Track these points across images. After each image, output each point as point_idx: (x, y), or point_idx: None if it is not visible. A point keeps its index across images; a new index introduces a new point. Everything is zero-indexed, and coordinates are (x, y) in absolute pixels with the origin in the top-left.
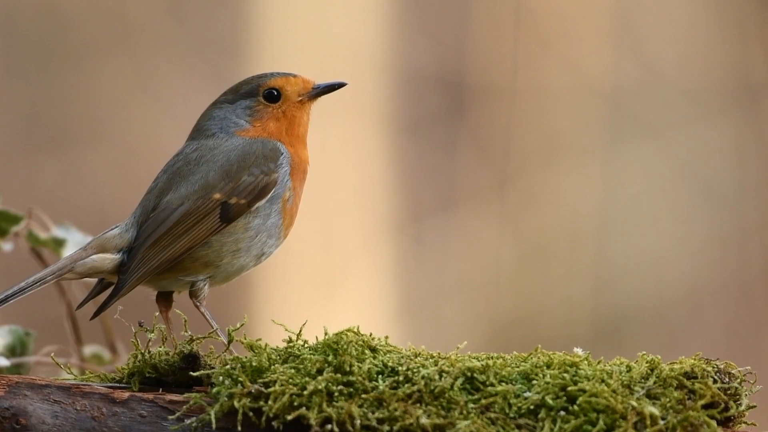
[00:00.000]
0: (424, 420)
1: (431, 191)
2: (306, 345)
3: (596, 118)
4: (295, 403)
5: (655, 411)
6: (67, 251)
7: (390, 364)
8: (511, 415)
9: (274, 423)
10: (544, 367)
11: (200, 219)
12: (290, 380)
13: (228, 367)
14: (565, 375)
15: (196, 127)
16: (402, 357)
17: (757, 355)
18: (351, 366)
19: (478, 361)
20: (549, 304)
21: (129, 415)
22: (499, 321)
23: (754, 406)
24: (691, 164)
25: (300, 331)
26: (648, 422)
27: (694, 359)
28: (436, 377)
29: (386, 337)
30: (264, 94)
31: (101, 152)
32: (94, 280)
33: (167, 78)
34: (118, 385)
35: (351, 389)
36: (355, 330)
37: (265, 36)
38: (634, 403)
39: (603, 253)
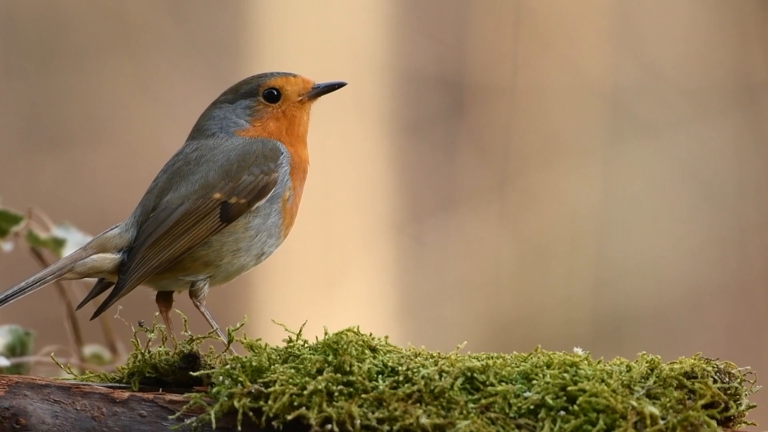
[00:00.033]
0: (424, 420)
1: (431, 191)
2: (306, 345)
3: (596, 118)
4: (295, 403)
5: (655, 411)
6: (67, 251)
7: (390, 364)
8: (511, 414)
9: (274, 423)
10: (544, 367)
11: (200, 219)
12: (290, 380)
13: (228, 366)
14: (565, 375)
15: (196, 127)
16: (402, 357)
17: (757, 355)
18: (351, 366)
19: (478, 361)
20: (549, 304)
21: (129, 414)
22: (499, 321)
23: (754, 406)
24: (691, 164)
25: (300, 330)
26: (648, 422)
27: (694, 359)
28: (436, 377)
29: (386, 337)
30: (264, 93)
31: (101, 152)
32: (94, 280)
33: (167, 78)
34: (118, 385)
35: (351, 389)
36: (355, 330)
37: (265, 36)
38: (634, 403)
39: (603, 253)
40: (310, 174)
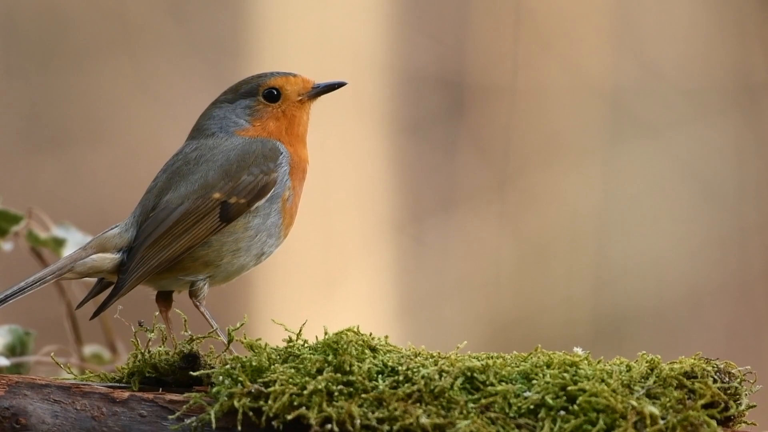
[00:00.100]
0: (424, 420)
1: (431, 191)
2: (306, 345)
3: (596, 118)
4: (295, 403)
5: (655, 410)
6: (67, 251)
7: (390, 363)
8: (511, 414)
9: (274, 423)
10: (544, 367)
11: (200, 218)
12: (290, 380)
13: (228, 366)
14: (565, 375)
15: (195, 127)
16: (402, 357)
17: (757, 355)
18: (351, 366)
19: (478, 360)
20: (549, 304)
21: (129, 414)
22: (499, 321)
23: (754, 406)
24: (691, 164)
25: (300, 330)
26: (648, 422)
27: (694, 359)
28: (436, 377)
29: (386, 337)
30: (264, 93)
31: (101, 152)
32: (93, 280)
33: (167, 78)
34: (118, 384)
35: (351, 389)
36: (355, 330)
37: (265, 36)
38: (634, 403)
39: (603, 253)
40: (310, 174)
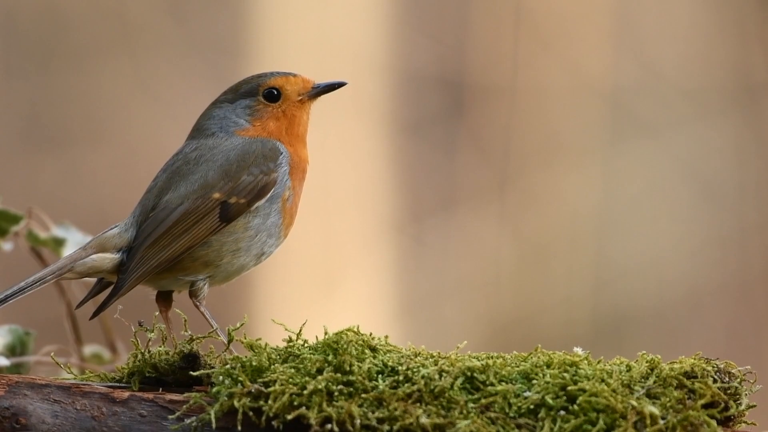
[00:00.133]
0: (424, 419)
1: (431, 191)
2: (306, 344)
3: (596, 118)
4: (295, 403)
5: (655, 410)
6: (67, 251)
7: (390, 363)
8: (511, 414)
9: (274, 422)
10: (544, 367)
11: (200, 218)
12: (290, 380)
13: (228, 366)
14: (565, 374)
15: (195, 127)
16: (402, 356)
17: (757, 355)
18: (351, 365)
19: (478, 360)
20: (549, 304)
21: (129, 414)
22: (499, 321)
23: (754, 406)
24: (691, 164)
25: (300, 330)
26: (648, 422)
27: (694, 359)
28: (436, 377)
29: (386, 337)
30: (264, 93)
31: (101, 152)
32: (93, 280)
33: (167, 78)
34: (118, 384)
35: (351, 389)
36: (355, 329)
37: (265, 36)
38: (634, 403)
39: (603, 253)
40: (310, 174)
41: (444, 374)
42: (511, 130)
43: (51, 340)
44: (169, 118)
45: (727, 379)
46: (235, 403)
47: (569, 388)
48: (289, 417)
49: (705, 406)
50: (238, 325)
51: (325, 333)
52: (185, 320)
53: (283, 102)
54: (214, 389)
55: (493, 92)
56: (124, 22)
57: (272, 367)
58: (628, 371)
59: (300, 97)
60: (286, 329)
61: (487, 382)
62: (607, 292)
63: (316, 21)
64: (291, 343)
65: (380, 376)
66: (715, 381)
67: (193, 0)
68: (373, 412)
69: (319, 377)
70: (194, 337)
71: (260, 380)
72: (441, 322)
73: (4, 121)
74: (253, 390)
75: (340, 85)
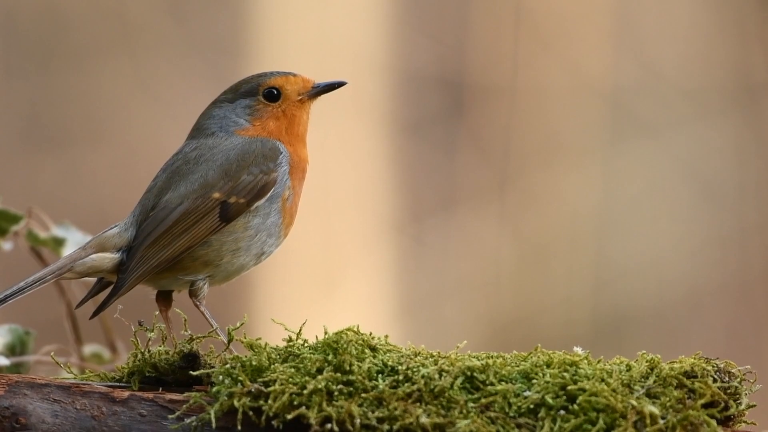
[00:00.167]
0: (423, 419)
1: (431, 191)
2: (306, 344)
3: (596, 118)
4: (295, 402)
5: (655, 410)
6: (67, 251)
7: (390, 363)
8: (511, 414)
9: (273, 422)
10: (544, 366)
11: (199, 218)
12: (290, 379)
13: (228, 366)
14: (565, 374)
15: (195, 126)
16: (402, 356)
17: (757, 355)
18: (351, 365)
19: (478, 360)
20: (549, 304)
21: (129, 414)
22: (499, 321)
23: (754, 405)
24: (691, 164)
25: (300, 330)
26: (648, 421)
27: (694, 358)
28: (436, 376)
29: (386, 337)
30: (264, 93)
31: (101, 152)
32: (93, 280)
33: (167, 78)
34: (117, 384)
35: (351, 388)
36: (355, 329)
37: (265, 36)
38: (634, 402)
39: (603, 253)
40: (310, 174)
41: (444, 374)
42: (511, 130)
43: (51, 340)
44: (169, 118)
45: (727, 378)
46: (235, 403)
47: (569, 387)
48: (289, 416)
49: (705, 406)
50: (238, 324)
51: (325, 333)
52: (185, 320)
53: (283, 102)
54: (214, 389)
55: (493, 92)
56: (124, 22)
57: (272, 366)
58: (628, 371)
59: (300, 97)
60: (286, 329)
61: (487, 382)
62: (607, 292)
63: (316, 21)
64: (291, 343)
65: (380, 375)
66: (715, 381)
67: (193, 0)
68: (373, 412)
69: (319, 377)
70: (194, 337)
71: (260, 380)
72: (441, 322)
73: (4, 121)
74: (253, 389)
75: (340, 84)
